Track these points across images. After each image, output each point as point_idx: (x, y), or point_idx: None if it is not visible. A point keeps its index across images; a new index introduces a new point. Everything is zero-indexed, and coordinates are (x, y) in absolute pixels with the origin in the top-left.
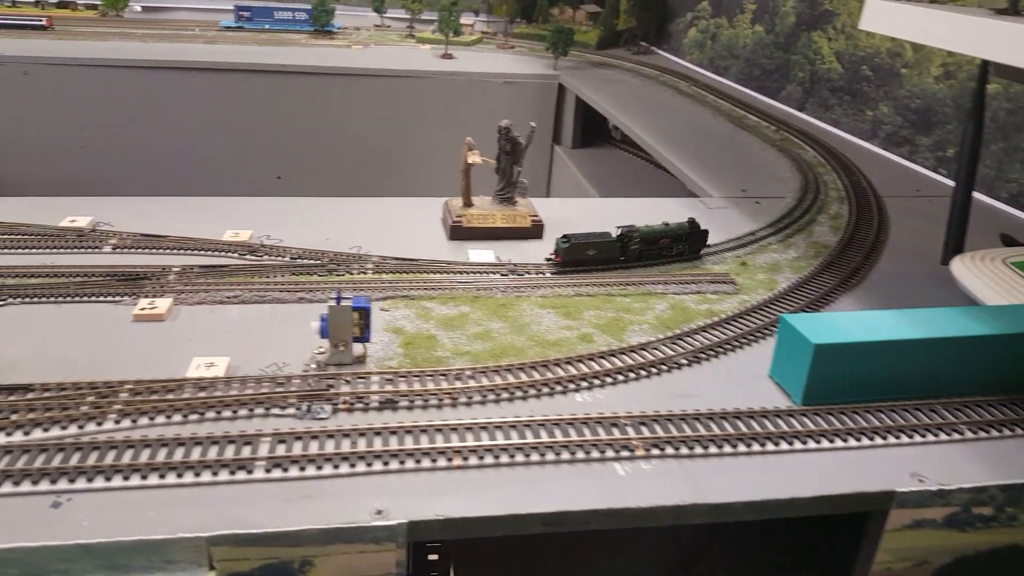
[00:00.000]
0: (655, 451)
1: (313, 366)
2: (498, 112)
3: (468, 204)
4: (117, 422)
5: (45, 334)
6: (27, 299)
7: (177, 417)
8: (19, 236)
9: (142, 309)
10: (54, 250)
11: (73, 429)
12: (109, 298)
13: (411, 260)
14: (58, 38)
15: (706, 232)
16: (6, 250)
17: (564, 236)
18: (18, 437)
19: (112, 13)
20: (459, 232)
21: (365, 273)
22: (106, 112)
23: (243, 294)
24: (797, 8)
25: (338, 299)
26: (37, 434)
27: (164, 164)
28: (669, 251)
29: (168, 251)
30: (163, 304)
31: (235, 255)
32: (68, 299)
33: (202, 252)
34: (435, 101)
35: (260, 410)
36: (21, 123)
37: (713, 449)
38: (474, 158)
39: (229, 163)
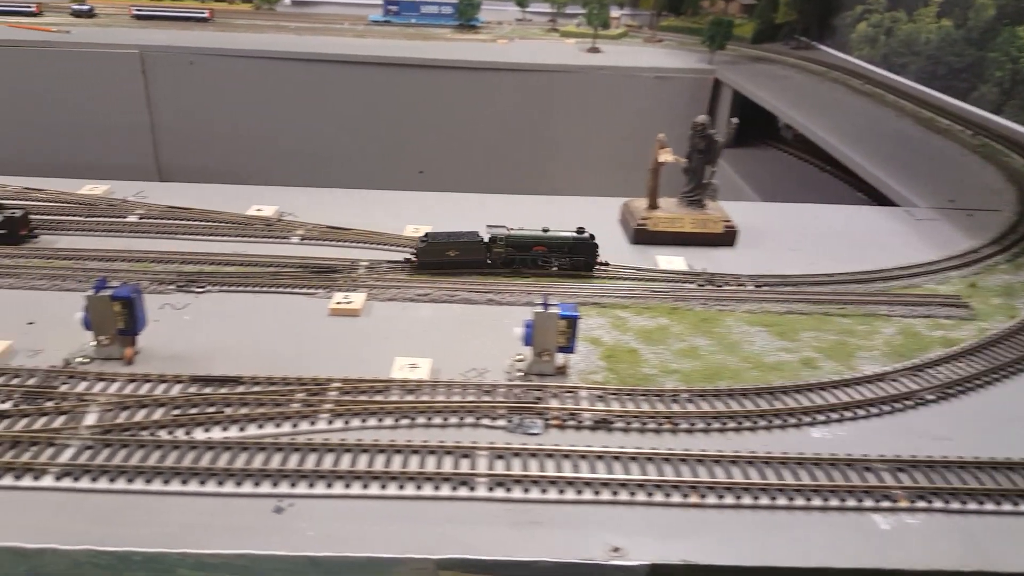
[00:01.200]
0: (922, 503)
1: (518, 374)
2: (648, 108)
3: (654, 206)
4: (329, 422)
5: (244, 323)
6: (225, 287)
7: (388, 421)
8: (212, 223)
9: (338, 303)
10: (245, 239)
11: (287, 427)
12: (303, 290)
13: (597, 264)
14: (219, 30)
15: (595, 246)
16: (202, 236)
17: (425, 234)
18: (233, 432)
19: (265, 7)
20: (643, 235)
21: (551, 276)
22: (262, 102)
23: (433, 292)
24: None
25: (545, 305)
26: (252, 430)
27: (311, 155)
28: (548, 262)
29: (353, 244)
30: (358, 299)
31: (413, 251)
32: (264, 289)
33: (386, 247)
34: (582, 96)
35: (470, 419)
36: (185, 111)
37: (990, 506)
38: (666, 156)
39: (373, 156)
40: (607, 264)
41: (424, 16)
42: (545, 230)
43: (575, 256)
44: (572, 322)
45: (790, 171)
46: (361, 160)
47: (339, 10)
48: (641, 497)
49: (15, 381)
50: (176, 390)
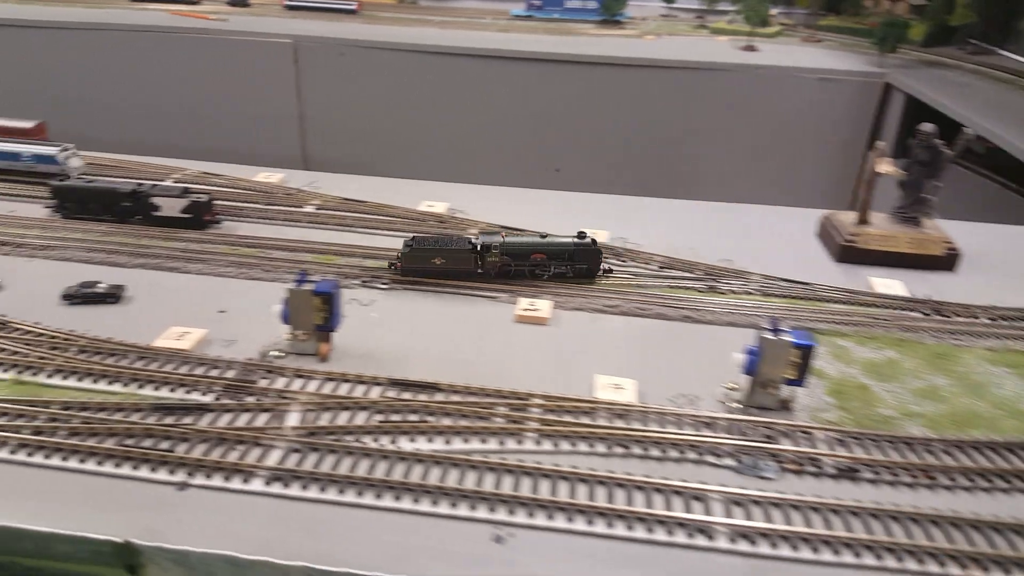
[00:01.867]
0: None
1: (735, 405)
2: (809, 111)
3: (865, 221)
4: (537, 443)
5: (430, 325)
6: (408, 286)
7: (600, 447)
8: (387, 217)
9: (524, 310)
10: (423, 234)
11: (493, 444)
12: (486, 293)
13: (802, 283)
14: (367, 22)
15: (599, 252)
16: (379, 231)
17: (412, 237)
18: (439, 445)
19: (408, 0)
20: (851, 253)
21: (751, 294)
22: (405, 96)
23: (622, 304)
24: None
25: (774, 330)
26: (458, 444)
27: (451, 149)
28: (546, 270)
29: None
30: (544, 307)
31: None
32: (447, 290)
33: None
34: (736, 96)
35: (692, 454)
36: (333, 103)
37: None
38: (885, 167)
39: (510, 151)
40: (610, 271)
41: (568, 11)
42: (543, 236)
43: (576, 263)
44: (807, 352)
45: (966, 189)
46: (498, 156)
47: (479, 4)
48: (912, 566)
49: (214, 373)
50: (375, 392)
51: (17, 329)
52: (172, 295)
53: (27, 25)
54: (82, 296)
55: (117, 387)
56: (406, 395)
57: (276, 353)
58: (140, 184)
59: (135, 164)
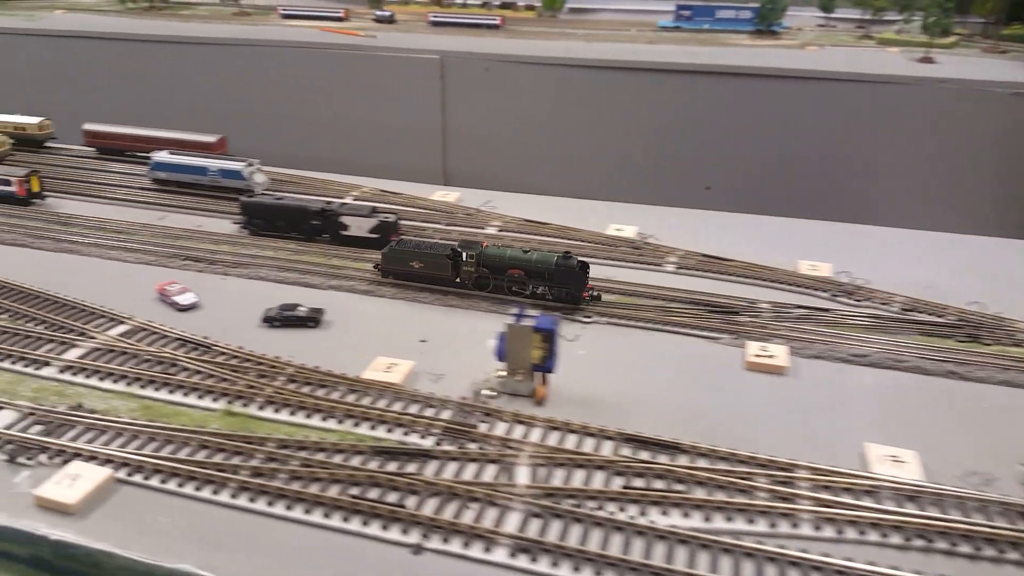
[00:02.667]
0: None
1: None
2: (1001, 130)
3: None
4: (816, 528)
5: (646, 367)
6: (613, 319)
7: (894, 538)
8: (576, 241)
9: (756, 356)
10: (615, 262)
11: (762, 525)
12: (704, 332)
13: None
14: (511, 37)
15: (582, 274)
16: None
17: (398, 239)
18: (697, 521)
19: (548, 14)
20: None
21: (1022, 345)
22: (550, 110)
23: (871, 354)
24: None
25: None
26: (719, 522)
27: (596, 164)
28: (523, 288)
29: (740, 279)
30: (779, 352)
31: (823, 295)
32: (657, 326)
33: (780, 285)
34: (912, 111)
35: (1013, 554)
36: (477, 117)
37: None
38: None
39: (657, 167)
40: (598, 297)
41: (719, 21)
42: (525, 251)
43: (557, 285)
44: None
45: None
46: (644, 172)
47: (622, 16)
48: None
49: (429, 412)
50: (607, 448)
51: (222, 353)
52: (370, 321)
53: (182, 41)
54: (283, 319)
55: (332, 424)
56: (643, 454)
57: (488, 392)
58: (329, 202)
59: (309, 180)
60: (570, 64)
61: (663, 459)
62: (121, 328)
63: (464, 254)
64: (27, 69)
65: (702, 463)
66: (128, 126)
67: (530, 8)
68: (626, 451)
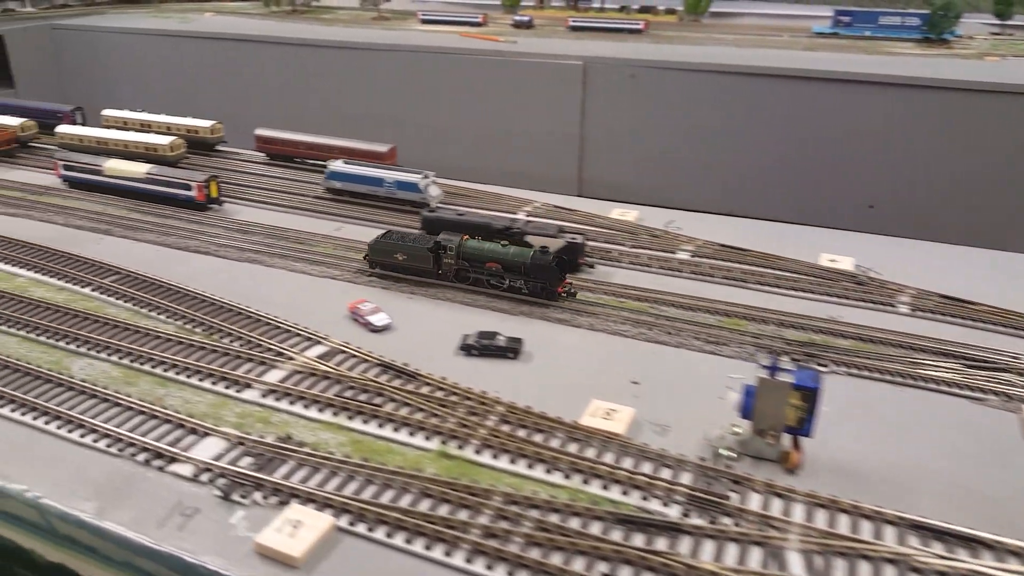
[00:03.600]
0: None
1: None
2: None
3: None
4: None
5: (905, 430)
6: (851, 369)
7: None
8: (781, 272)
9: None
10: (833, 299)
11: None
12: (963, 391)
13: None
14: (655, 42)
15: (558, 269)
16: (777, 289)
17: (387, 231)
18: None
19: (689, 18)
20: None
21: None
22: (700, 120)
23: None
24: None
25: None
26: None
27: (748, 179)
28: (501, 281)
29: (992, 326)
30: None
31: None
32: (904, 381)
33: None
34: None
35: None
36: (617, 126)
37: None
38: None
39: (813, 183)
40: (574, 294)
41: (882, 28)
42: (504, 244)
43: (532, 279)
44: None
45: None
46: (799, 189)
47: (766, 20)
48: None
49: (666, 473)
50: (889, 535)
51: (427, 383)
52: (570, 354)
53: (324, 45)
54: (482, 348)
55: (557, 477)
56: (935, 546)
57: (727, 452)
58: (513, 220)
59: (476, 192)
60: (723, 71)
61: (962, 554)
62: (318, 349)
63: (446, 248)
64: (180, 69)
65: (1014, 564)
66: (299, 132)
67: (671, 12)
68: (914, 541)
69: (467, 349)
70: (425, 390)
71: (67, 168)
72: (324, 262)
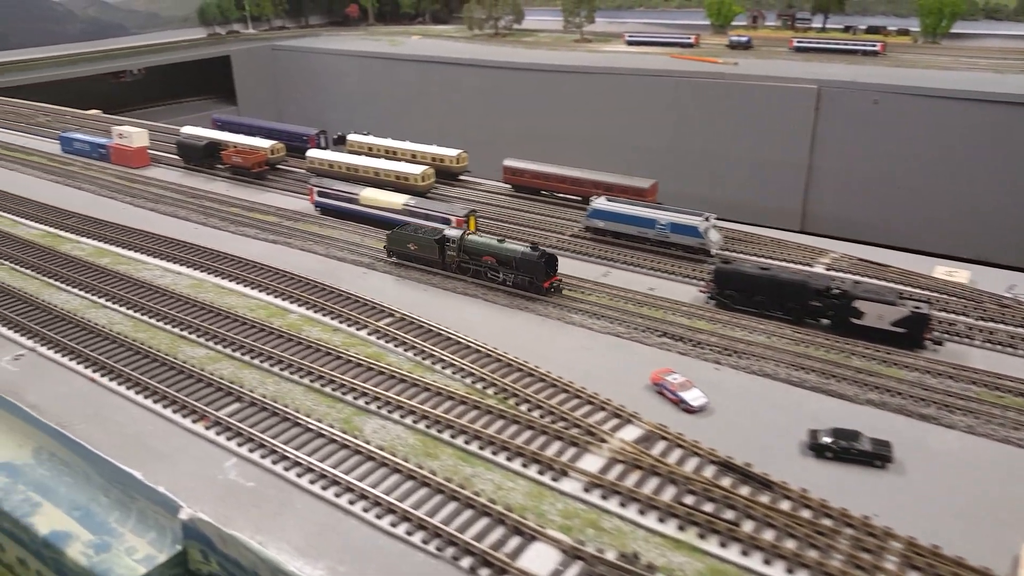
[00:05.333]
0: None
1: None
2: None
3: None
4: None
5: None
6: None
7: None
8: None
9: None
10: None
11: None
12: None
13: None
14: (895, 65)
15: (541, 266)
16: None
17: (403, 224)
18: None
19: (927, 39)
20: None
21: None
22: (960, 152)
23: None
24: None
25: None
26: None
27: (998, 221)
28: (495, 273)
29: None
30: None
31: None
32: None
33: None
34: None
35: None
36: (854, 155)
37: None
38: None
39: None
40: (559, 289)
41: None
42: (500, 240)
43: (521, 273)
44: None
45: None
46: None
47: (1010, 43)
48: None
49: None
50: None
51: (785, 496)
52: (954, 466)
53: (530, 69)
54: (838, 450)
55: None
56: None
57: None
58: (834, 279)
59: (749, 236)
60: (982, 100)
61: None
62: (632, 431)
63: (450, 241)
64: (389, 89)
65: None
66: (550, 164)
67: (903, 33)
68: None
69: (819, 450)
70: (785, 505)
71: (322, 195)
72: (605, 315)
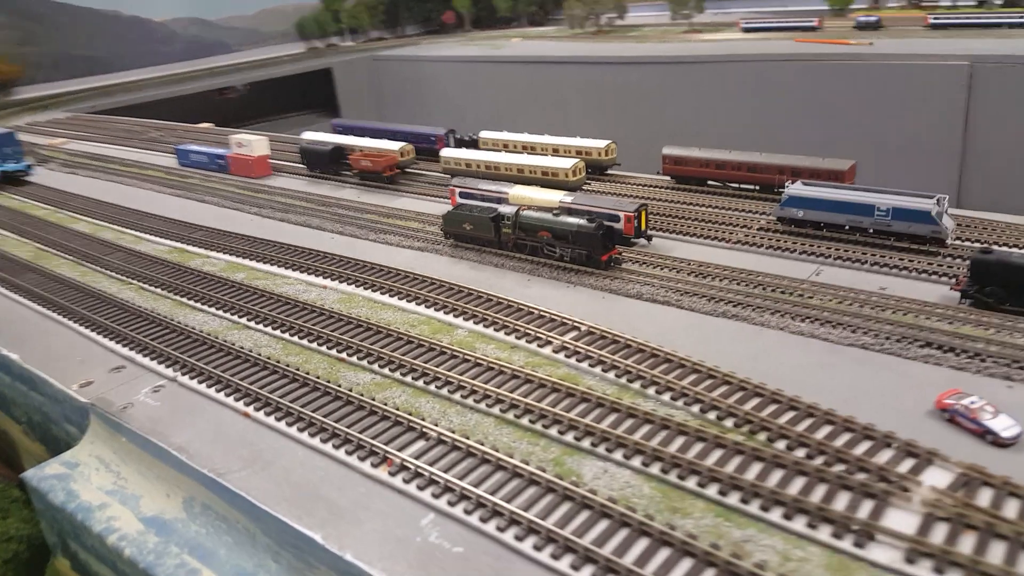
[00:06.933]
0: None
1: None
2: None
3: None
4: None
5: None
6: None
7: None
8: None
9: None
10: None
11: None
12: None
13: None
14: None
15: (599, 237)
16: None
17: (458, 205)
18: None
19: None
20: None
21: None
22: None
23: None
24: None
25: None
26: None
27: None
28: (552, 249)
29: None
30: None
31: None
32: None
33: None
34: None
35: None
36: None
37: None
38: None
39: None
40: (619, 261)
41: None
42: (556, 214)
43: (577, 247)
44: None
45: None
46: None
47: None
48: None
49: None
50: None
51: None
52: None
53: (644, 62)
54: None
55: None
56: None
57: None
58: None
59: (979, 221)
60: None
61: None
62: (938, 475)
63: (505, 218)
64: (492, 92)
65: None
66: (719, 150)
67: None
68: None
69: None
70: None
71: (465, 196)
72: (840, 322)
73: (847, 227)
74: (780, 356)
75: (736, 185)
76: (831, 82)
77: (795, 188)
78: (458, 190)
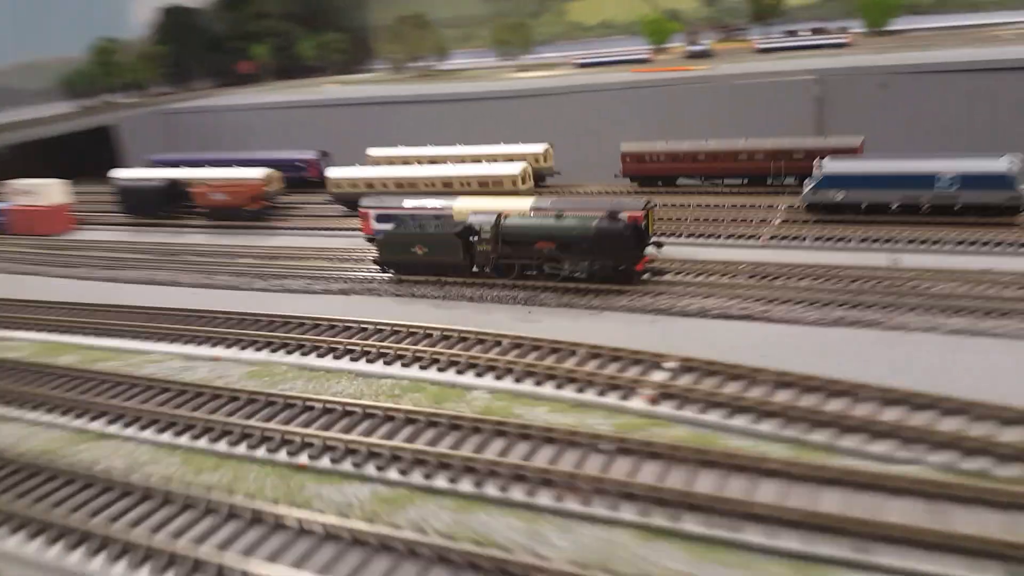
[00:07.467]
0: None
1: None
2: None
3: None
4: None
5: None
6: None
7: None
8: None
9: None
10: None
11: None
12: None
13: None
14: (875, 51)
15: (629, 238)
16: None
17: (396, 224)
18: None
19: (873, 33)
20: None
21: None
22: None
23: None
24: None
25: None
26: None
27: None
28: (557, 267)
29: None
30: None
31: None
32: None
33: None
34: None
35: None
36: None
37: None
38: None
39: None
40: (646, 270)
41: None
42: (558, 216)
43: (598, 256)
44: None
45: None
46: None
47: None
48: None
49: None
50: None
51: None
52: None
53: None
54: None
55: None
56: None
57: None
58: None
59: None
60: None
61: None
62: None
63: (480, 231)
64: (323, 135)
65: None
66: (691, 140)
67: (841, 31)
68: None
69: None
70: None
71: (383, 219)
72: (979, 309)
73: (895, 206)
74: (964, 363)
75: (720, 181)
76: (687, 102)
77: (832, 165)
78: (372, 212)
